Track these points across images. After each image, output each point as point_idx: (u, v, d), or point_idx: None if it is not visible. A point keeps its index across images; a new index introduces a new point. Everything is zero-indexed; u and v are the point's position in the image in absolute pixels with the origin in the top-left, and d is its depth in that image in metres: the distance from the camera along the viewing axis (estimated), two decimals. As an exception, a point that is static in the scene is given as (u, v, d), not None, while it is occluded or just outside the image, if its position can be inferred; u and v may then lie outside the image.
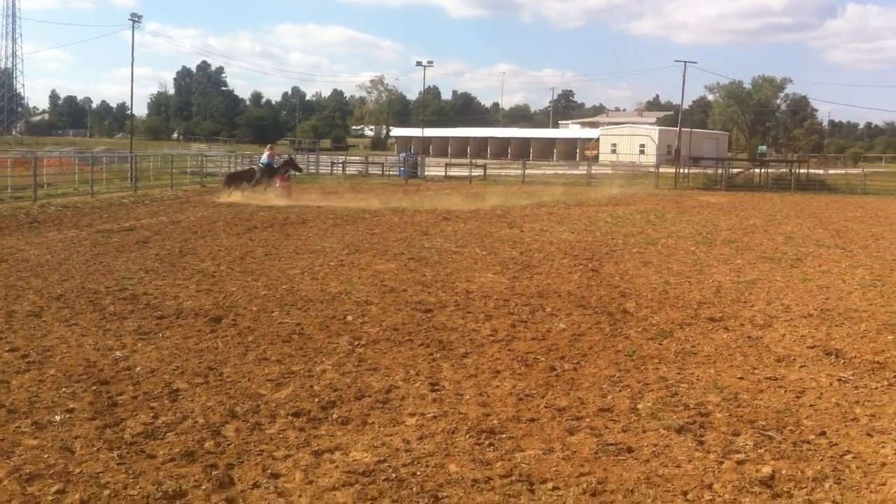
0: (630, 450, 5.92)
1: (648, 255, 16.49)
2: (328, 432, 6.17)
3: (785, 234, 21.31)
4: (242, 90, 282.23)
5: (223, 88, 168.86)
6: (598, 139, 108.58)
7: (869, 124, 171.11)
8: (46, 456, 5.56)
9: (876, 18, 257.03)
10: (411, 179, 48.09)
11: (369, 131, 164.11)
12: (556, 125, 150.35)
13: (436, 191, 38.55)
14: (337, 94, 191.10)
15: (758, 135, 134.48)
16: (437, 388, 7.33)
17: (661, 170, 52.18)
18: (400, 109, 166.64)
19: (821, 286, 13.10)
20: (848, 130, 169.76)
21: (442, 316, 10.24)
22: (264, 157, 32.06)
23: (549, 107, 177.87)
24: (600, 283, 12.99)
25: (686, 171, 51.92)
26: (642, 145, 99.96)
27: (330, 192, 34.28)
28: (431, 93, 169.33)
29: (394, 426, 6.33)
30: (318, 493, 5.13)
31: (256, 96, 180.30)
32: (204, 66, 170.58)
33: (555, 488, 5.28)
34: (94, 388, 7.02)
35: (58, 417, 6.28)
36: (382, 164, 56.78)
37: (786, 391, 7.45)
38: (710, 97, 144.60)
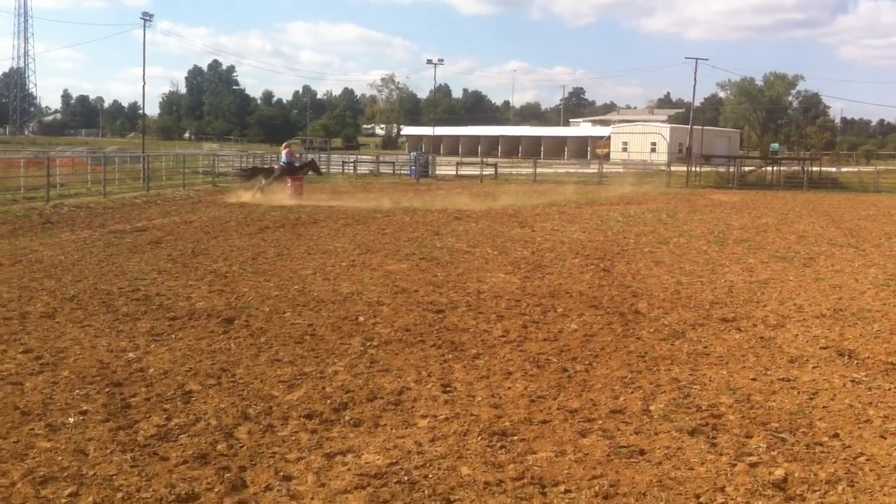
0: (642, 452, 5.91)
1: (660, 254, 16.46)
2: (340, 434, 6.18)
3: (797, 233, 21.23)
4: (253, 89, 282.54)
5: (234, 87, 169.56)
6: (609, 137, 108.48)
7: (882, 121, 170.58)
8: (60, 458, 5.59)
9: (888, 14, 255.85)
10: (422, 178, 48.10)
11: (380, 130, 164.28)
12: (566, 123, 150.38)
13: (447, 190, 38.55)
14: (348, 93, 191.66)
15: (770, 132, 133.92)
16: (448, 389, 7.33)
17: (673, 168, 52.08)
18: (411, 108, 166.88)
19: (833, 286, 13.04)
20: (860, 127, 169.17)
21: (454, 316, 10.24)
22: (283, 157, 32.08)
23: (560, 105, 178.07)
24: (612, 282, 12.97)
25: (698, 169, 51.73)
26: (654, 143, 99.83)
27: (341, 192, 34.34)
28: (442, 91, 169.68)
29: (406, 428, 6.34)
30: (330, 496, 5.14)
31: (268, 95, 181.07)
32: (215, 64, 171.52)
33: (567, 491, 5.27)
34: (108, 389, 7.05)
35: (71, 419, 6.32)
36: (394, 163, 56.87)
37: (799, 392, 7.42)
38: (722, 94, 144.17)
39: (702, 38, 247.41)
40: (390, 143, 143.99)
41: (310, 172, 33.19)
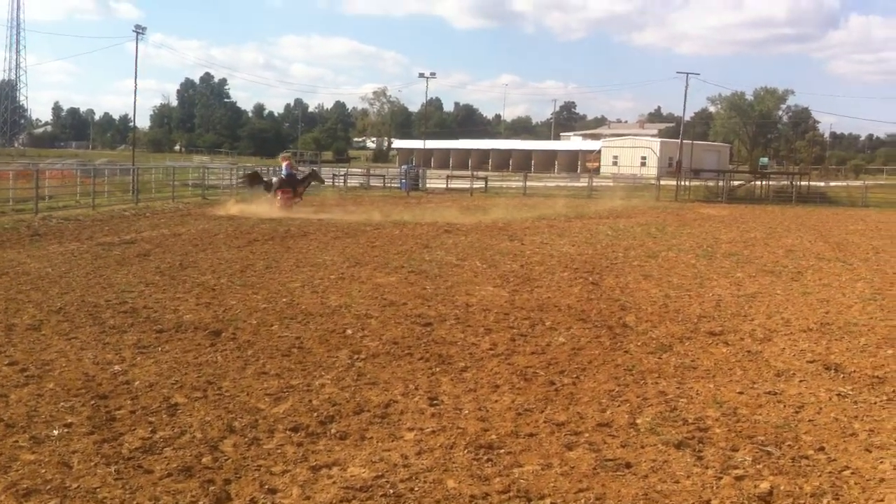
0: (629, 465, 5.91)
1: (649, 268, 16.50)
2: (326, 447, 6.16)
3: (785, 247, 21.31)
4: (245, 102, 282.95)
5: (226, 100, 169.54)
6: (599, 151, 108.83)
7: (871, 136, 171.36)
8: (44, 471, 5.56)
9: (879, 30, 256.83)
10: (413, 192, 48.15)
11: (371, 143, 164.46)
12: (557, 137, 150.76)
13: (437, 203, 38.59)
14: (339, 106, 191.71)
15: (759, 147, 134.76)
16: (436, 402, 7.32)
17: (663, 182, 52.29)
18: (402, 121, 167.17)
19: (821, 300, 13.09)
20: (849, 142, 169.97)
21: (442, 329, 10.24)
22: (283, 169, 32.04)
23: (551, 118, 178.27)
24: (600, 296, 12.99)
25: (687, 183, 51.97)
26: (644, 157, 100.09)
27: (331, 205, 34.30)
28: (434, 104, 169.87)
29: (392, 441, 6.33)
30: (316, 509, 5.13)
31: (259, 108, 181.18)
32: (207, 77, 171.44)
33: (552, 504, 5.27)
34: (93, 402, 7.02)
35: (56, 432, 6.28)
36: (384, 176, 56.90)
37: (785, 406, 7.43)
38: (712, 109, 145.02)
39: (693, 53, 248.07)
40: (381, 156, 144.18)
41: (312, 183, 33.31)
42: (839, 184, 63.77)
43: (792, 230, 27.37)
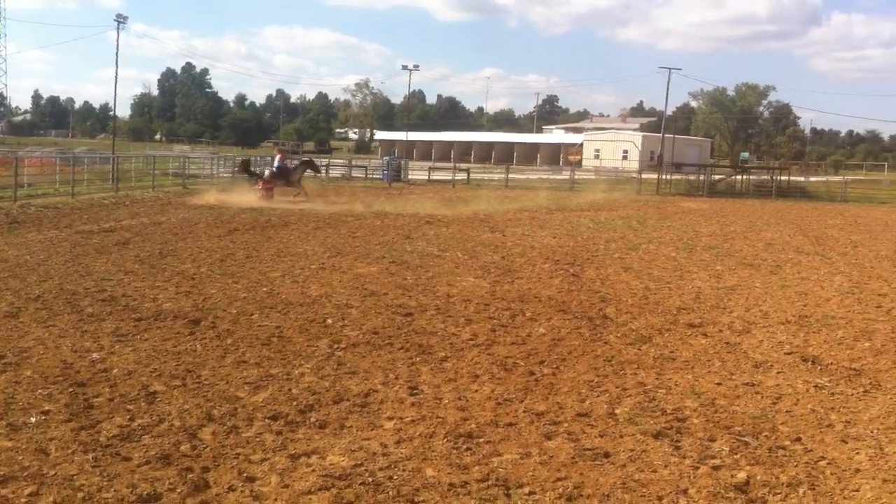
0: (607, 455, 5.94)
1: (629, 260, 16.56)
2: (305, 436, 6.16)
3: (765, 241, 21.43)
4: (227, 92, 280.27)
5: (207, 90, 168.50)
6: (581, 144, 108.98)
7: (851, 132, 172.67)
8: (21, 458, 5.52)
9: (860, 27, 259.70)
10: (395, 183, 48.03)
11: (353, 134, 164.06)
12: (540, 130, 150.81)
13: (419, 194, 38.55)
14: (321, 97, 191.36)
15: (740, 142, 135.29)
16: (415, 392, 7.33)
17: (644, 175, 52.47)
18: (384, 113, 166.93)
19: (799, 293, 13.19)
20: (829, 138, 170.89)
21: (422, 320, 10.24)
22: (276, 161, 31.94)
23: (534, 112, 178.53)
24: (581, 288, 13.03)
25: (668, 177, 52.14)
26: (625, 151, 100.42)
27: (313, 195, 34.19)
28: (416, 96, 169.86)
29: (371, 430, 6.33)
30: (294, 497, 5.12)
31: (241, 98, 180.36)
32: (188, 67, 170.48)
33: (531, 493, 5.29)
34: (71, 389, 6.98)
35: (33, 419, 6.24)
36: (366, 167, 56.77)
37: (762, 397, 7.49)
38: (694, 104, 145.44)
39: (676, 49, 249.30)
40: (363, 147, 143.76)
41: (308, 171, 33.26)
42: (819, 179, 64.19)
43: (772, 224, 27.53)
